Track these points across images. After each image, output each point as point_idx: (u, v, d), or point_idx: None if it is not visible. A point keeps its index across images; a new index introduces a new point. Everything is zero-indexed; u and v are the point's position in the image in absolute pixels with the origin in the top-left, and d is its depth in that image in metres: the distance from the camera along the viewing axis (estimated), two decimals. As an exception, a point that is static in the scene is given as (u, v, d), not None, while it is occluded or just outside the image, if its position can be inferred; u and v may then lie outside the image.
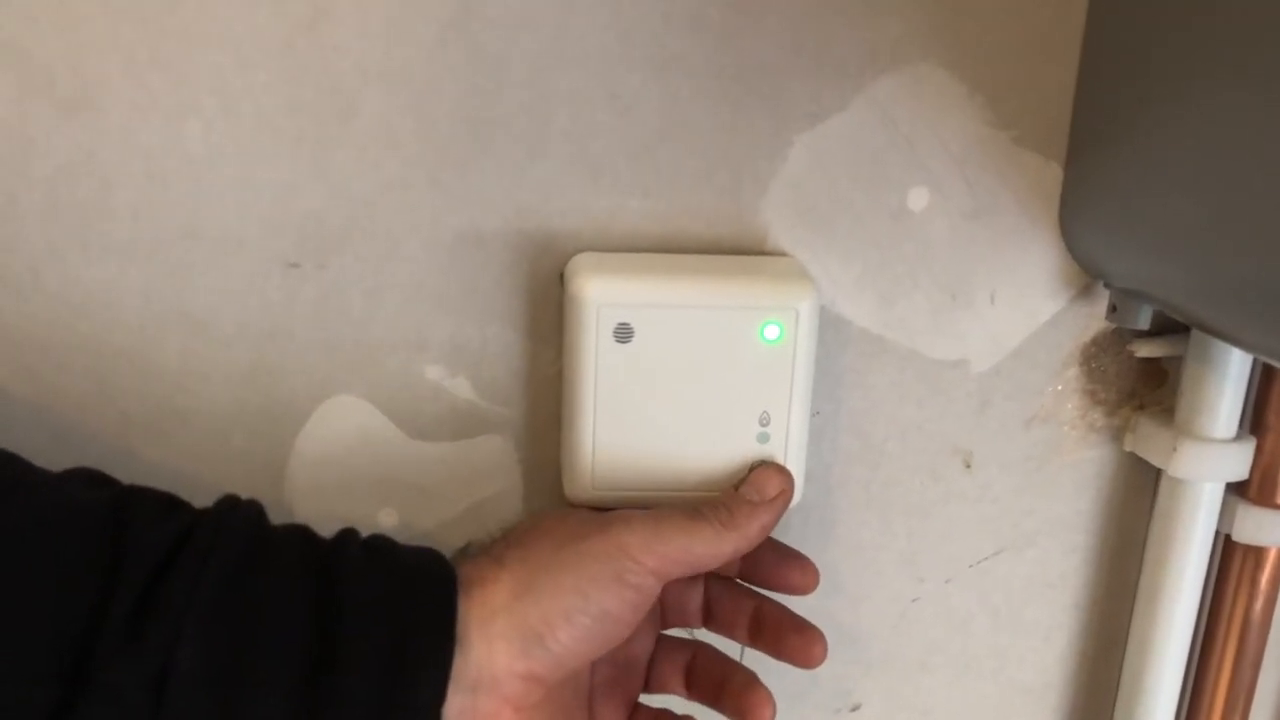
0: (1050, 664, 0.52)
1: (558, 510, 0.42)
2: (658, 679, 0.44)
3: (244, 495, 0.38)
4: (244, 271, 0.42)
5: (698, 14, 0.41)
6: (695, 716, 0.43)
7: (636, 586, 0.37)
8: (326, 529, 0.46)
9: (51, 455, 0.44)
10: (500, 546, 0.39)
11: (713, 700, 0.44)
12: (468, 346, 0.44)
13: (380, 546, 0.38)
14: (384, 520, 0.46)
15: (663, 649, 0.44)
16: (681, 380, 0.41)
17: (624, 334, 0.40)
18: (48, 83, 0.40)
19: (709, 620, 0.45)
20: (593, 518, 0.39)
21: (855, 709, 0.52)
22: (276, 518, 0.45)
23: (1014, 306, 0.46)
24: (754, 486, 0.41)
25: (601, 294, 0.40)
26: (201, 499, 0.45)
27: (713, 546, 0.39)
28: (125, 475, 0.44)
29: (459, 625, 0.35)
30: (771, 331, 0.41)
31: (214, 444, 0.44)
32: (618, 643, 0.38)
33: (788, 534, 0.48)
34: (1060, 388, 0.48)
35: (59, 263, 0.41)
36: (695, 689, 0.44)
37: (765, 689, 0.42)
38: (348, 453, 0.45)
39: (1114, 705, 0.51)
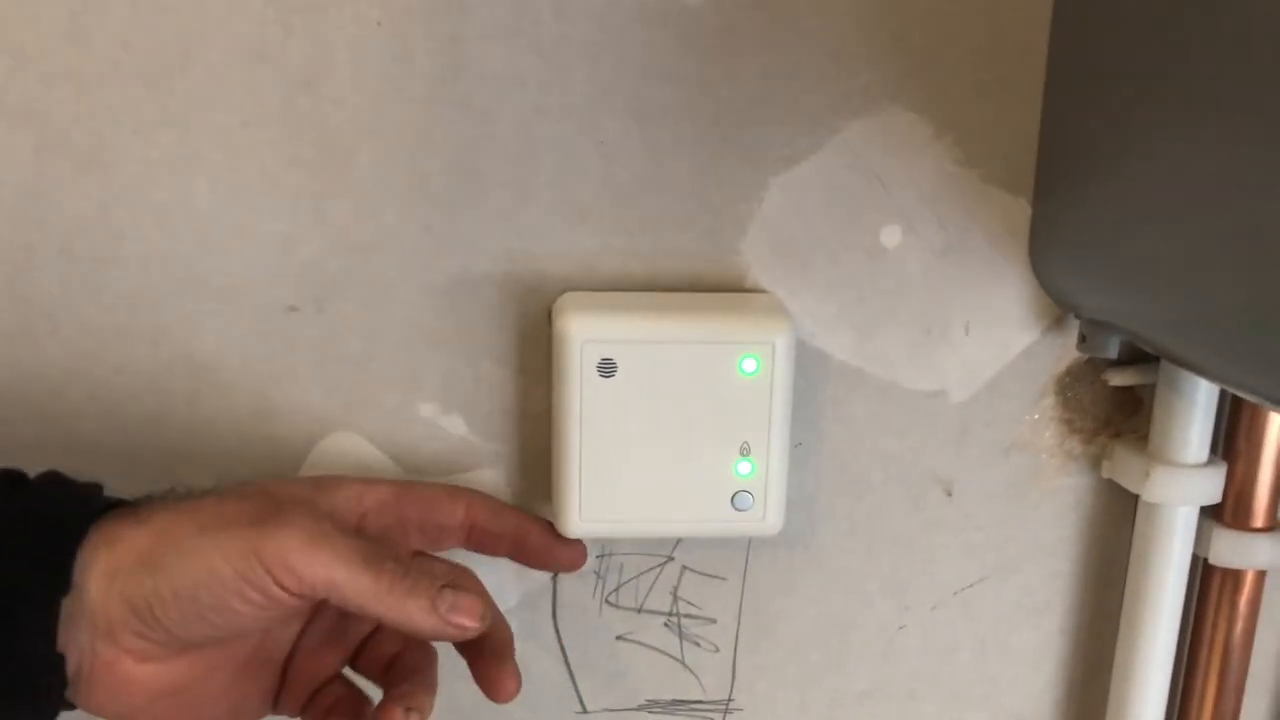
0: (1039, 690, 0.53)
1: (255, 482, 0.40)
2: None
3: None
4: (247, 317, 0.44)
5: (675, 66, 0.43)
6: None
7: (264, 595, 0.35)
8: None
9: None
10: (162, 505, 0.37)
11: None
12: (461, 385, 0.46)
13: (30, 483, 0.37)
14: (383, 555, 0.48)
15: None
16: (664, 413, 0.43)
17: (608, 369, 0.42)
18: (64, 141, 0.42)
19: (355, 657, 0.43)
20: (264, 506, 0.37)
21: (847, 737, 0.53)
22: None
23: (989, 338, 0.48)
24: (454, 602, 0.37)
25: (585, 331, 0.42)
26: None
27: (366, 601, 0.35)
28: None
29: (77, 572, 0.34)
30: (749, 365, 0.43)
31: (220, 481, 0.46)
32: (248, 633, 0.38)
33: (774, 563, 0.49)
34: (1037, 416, 0.49)
35: (73, 310, 0.44)
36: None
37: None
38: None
39: (1103, 731, 0.52)
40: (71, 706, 0.36)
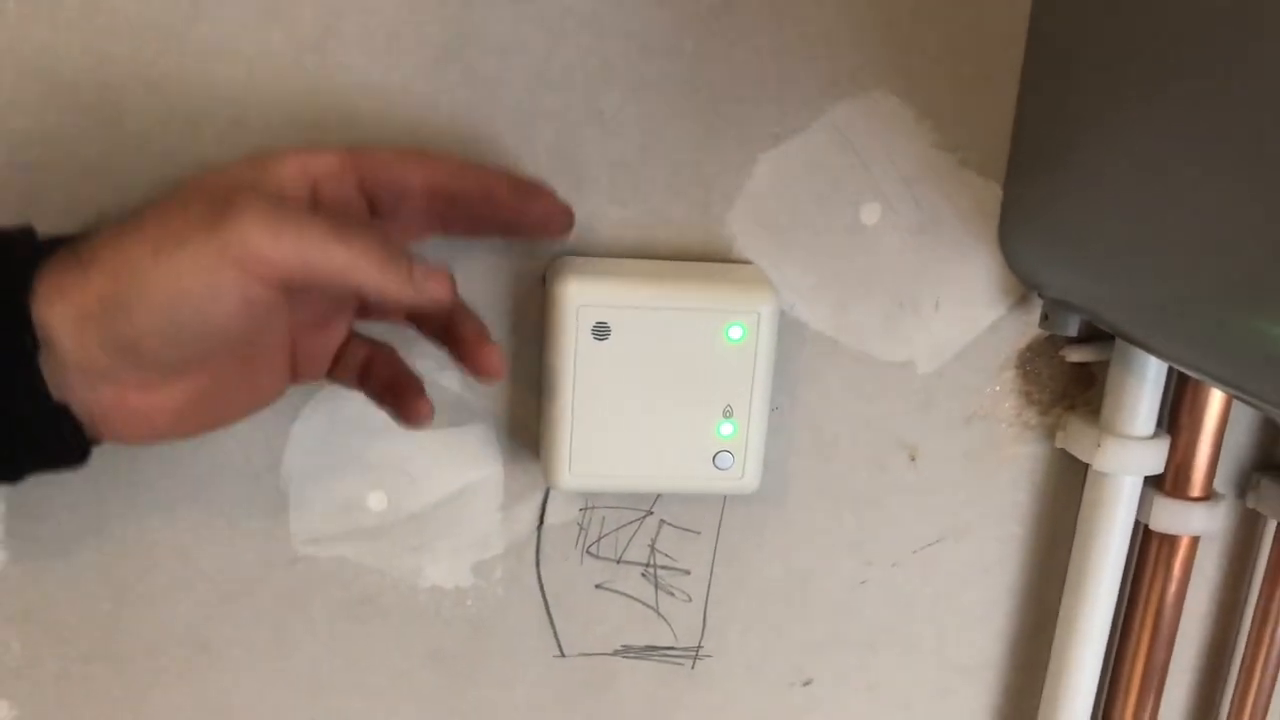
0: (987, 644, 0.57)
1: (189, 183, 0.37)
2: (340, 365, 0.43)
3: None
4: (250, 269, 0.46)
5: (673, 43, 0.45)
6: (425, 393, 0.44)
7: (242, 296, 0.33)
8: (321, 509, 0.49)
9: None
10: (99, 239, 0.35)
11: (379, 397, 0.44)
12: (456, 342, 0.48)
13: None
14: (373, 503, 0.50)
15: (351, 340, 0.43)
16: (653, 375, 0.45)
17: (602, 332, 0.44)
18: (72, 91, 0.43)
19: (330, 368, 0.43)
20: (210, 207, 0.33)
21: (807, 684, 0.56)
22: (273, 498, 0.49)
23: (957, 313, 0.51)
24: (426, 271, 0.36)
25: (581, 295, 0.44)
26: (207, 482, 0.48)
27: (343, 275, 0.34)
28: (140, 463, 0.47)
29: (39, 330, 0.33)
30: (736, 332, 0.45)
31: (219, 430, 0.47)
32: (241, 338, 0.35)
33: (747, 519, 0.52)
34: (998, 388, 0.52)
35: (77, 258, 0.44)
36: (364, 385, 0.44)
37: (425, 399, 0.43)
38: (341, 438, 0.48)
39: (1044, 682, 0.56)
40: (97, 442, 0.37)
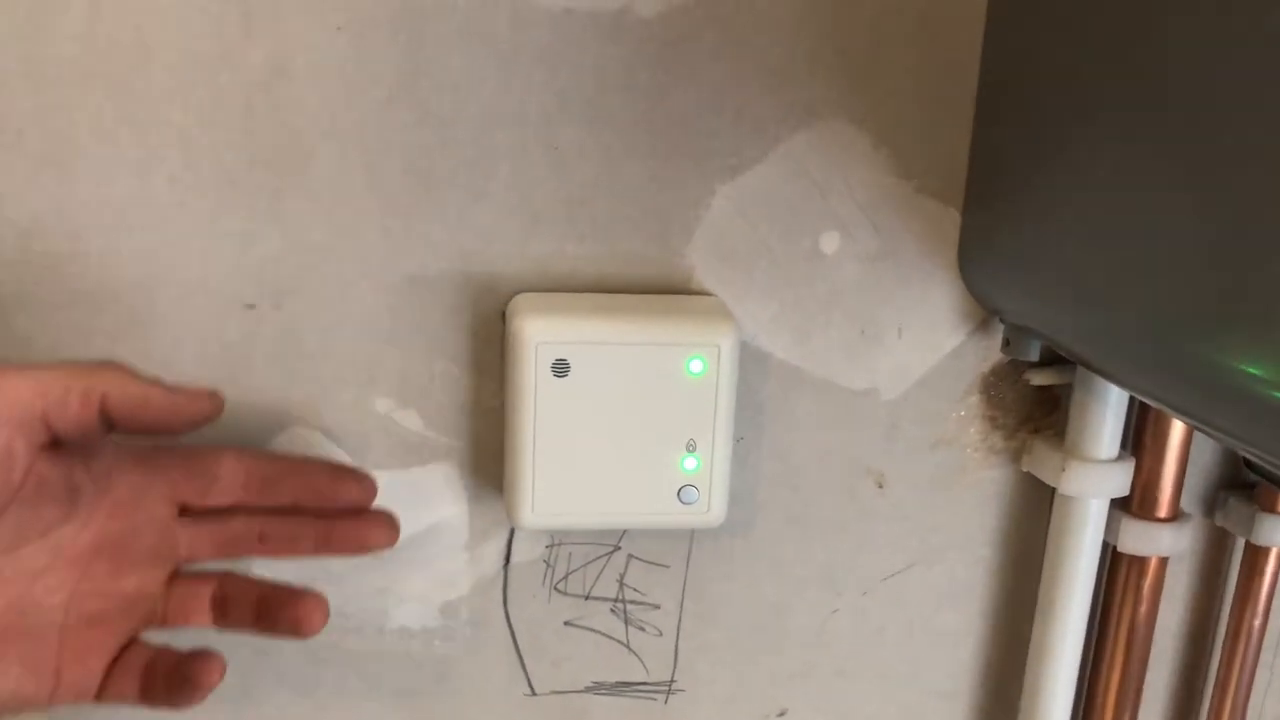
0: (960, 670, 0.56)
1: None
2: (176, 613, 0.42)
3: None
4: (205, 313, 0.45)
5: (629, 76, 0.45)
6: (212, 649, 0.41)
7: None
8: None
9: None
10: None
11: (252, 623, 0.41)
12: (416, 381, 0.47)
13: None
14: (337, 545, 0.49)
15: (181, 583, 0.42)
16: (615, 411, 0.45)
17: (561, 369, 0.44)
18: (18, 139, 0.42)
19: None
20: None
21: (782, 714, 0.55)
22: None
23: (919, 340, 0.51)
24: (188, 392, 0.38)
25: (540, 332, 0.44)
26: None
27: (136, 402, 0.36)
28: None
29: None
30: (696, 366, 0.45)
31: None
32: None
33: (716, 551, 0.52)
34: (963, 413, 0.52)
35: (28, 307, 0.44)
36: (227, 617, 0.42)
37: (315, 595, 0.41)
38: (303, 481, 0.48)
39: (1018, 707, 0.56)
40: None
